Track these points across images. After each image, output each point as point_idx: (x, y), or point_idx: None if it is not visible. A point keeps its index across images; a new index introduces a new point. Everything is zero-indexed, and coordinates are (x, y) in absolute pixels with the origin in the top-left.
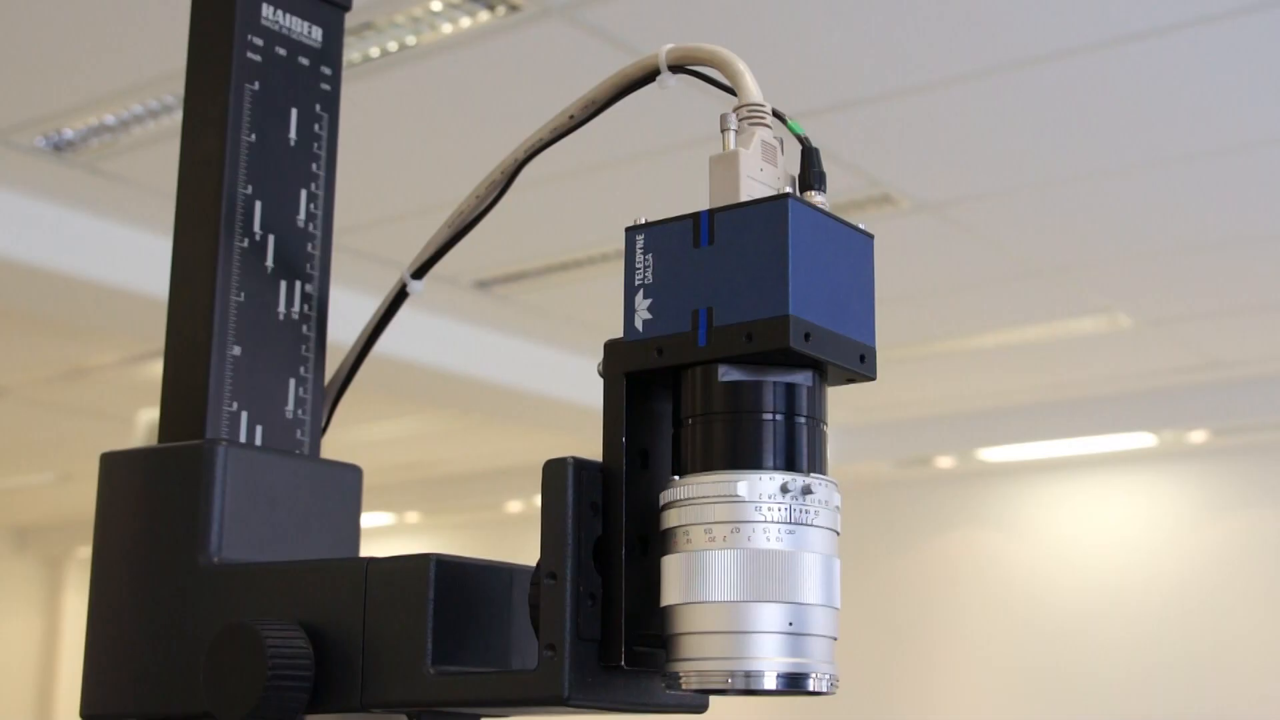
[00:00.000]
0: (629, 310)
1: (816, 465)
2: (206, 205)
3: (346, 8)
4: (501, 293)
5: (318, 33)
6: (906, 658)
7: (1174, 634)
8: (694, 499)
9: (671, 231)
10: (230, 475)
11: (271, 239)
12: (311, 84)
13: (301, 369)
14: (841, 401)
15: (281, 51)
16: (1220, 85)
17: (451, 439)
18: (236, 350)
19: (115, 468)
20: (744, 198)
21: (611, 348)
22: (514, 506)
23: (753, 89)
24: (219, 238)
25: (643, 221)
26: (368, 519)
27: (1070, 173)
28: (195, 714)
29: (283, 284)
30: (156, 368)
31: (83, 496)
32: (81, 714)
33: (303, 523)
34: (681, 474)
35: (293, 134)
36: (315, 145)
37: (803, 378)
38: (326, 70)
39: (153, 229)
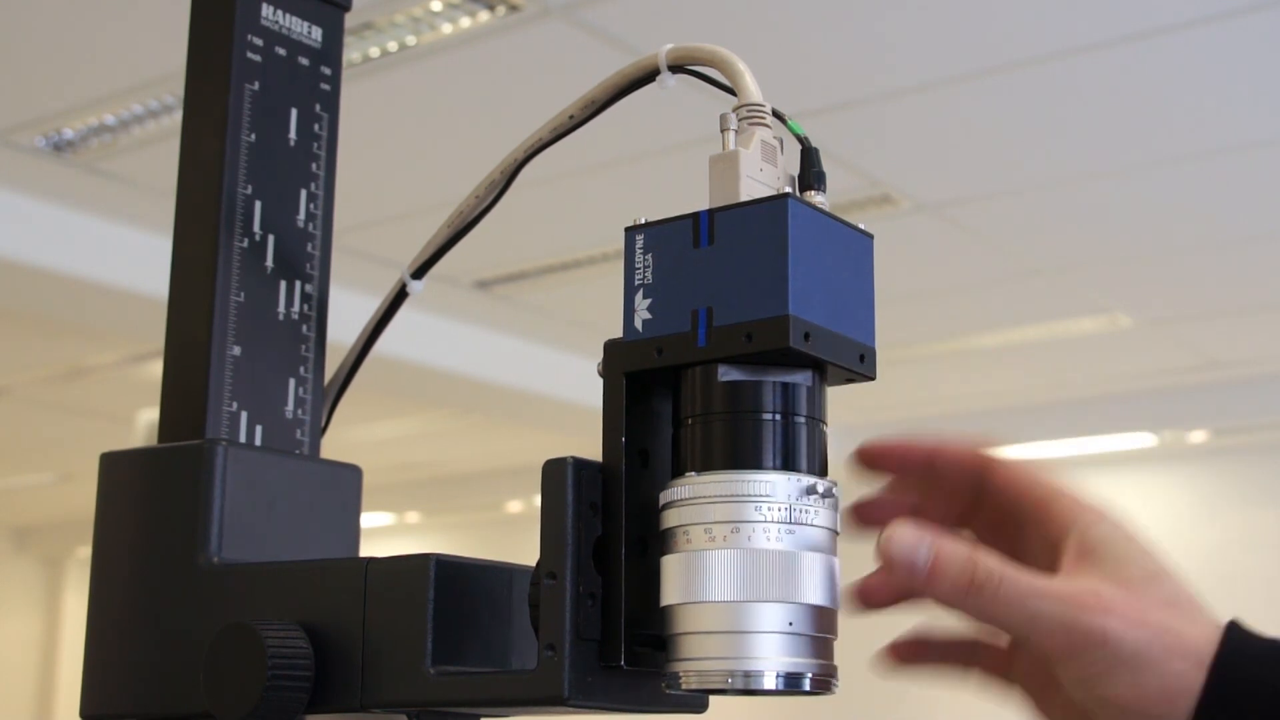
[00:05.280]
0: (628, 310)
1: (816, 465)
2: (206, 205)
3: (346, 8)
4: (501, 293)
5: (318, 33)
6: None
7: None
8: (694, 499)
9: (671, 231)
10: (230, 475)
11: (271, 239)
12: (311, 84)
13: (301, 369)
14: (841, 401)
15: (281, 51)
16: (1220, 85)
17: (451, 439)
18: (236, 350)
19: (115, 468)
20: (744, 197)
21: (611, 348)
22: (514, 506)
23: (753, 89)
24: (219, 238)
25: (642, 221)
26: (368, 519)
27: (1070, 173)
28: (195, 714)
29: (283, 284)
30: (156, 368)
31: (83, 496)
32: (81, 714)
33: (303, 523)
34: (681, 474)
35: (293, 134)
36: (315, 145)
37: (802, 377)
38: (326, 70)
39: (153, 229)
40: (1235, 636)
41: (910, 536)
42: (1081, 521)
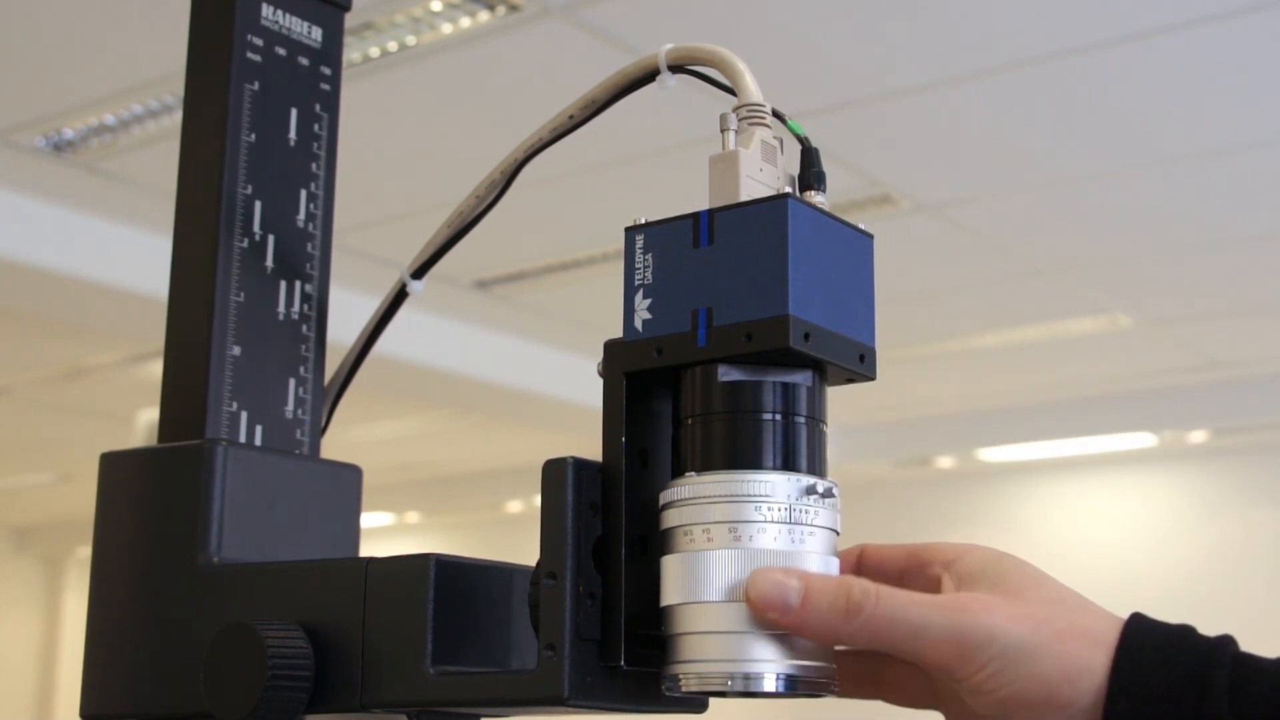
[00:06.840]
0: (628, 310)
1: (816, 465)
2: (206, 205)
3: (346, 8)
4: (501, 293)
5: (318, 33)
6: None
7: None
8: (694, 499)
9: (671, 231)
10: (230, 475)
11: (271, 239)
12: (311, 84)
13: (301, 369)
14: (841, 401)
15: (281, 51)
16: (1220, 85)
17: (451, 439)
18: (236, 350)
19: (115, 468)
20: (744, 197)
21: (611, 348)
22: (514, 506)
23: (752, 89)
24: (219, 238)
25: (642, 221)
26: (368, 519)
27: (1070, 173)
28: (195, 714)
29: (283, 284)
30: (156, 368)
31: (83, 496)
32: (81, 714)
33: (303, 523)
34: (681, 474)
35: (292, 134)
36: (315, 145)
37: (802, 378)
38: (326, 70)
39: (153, 229)
40: (1139, 619)
41: (775, 574)
42: (952, 554)
